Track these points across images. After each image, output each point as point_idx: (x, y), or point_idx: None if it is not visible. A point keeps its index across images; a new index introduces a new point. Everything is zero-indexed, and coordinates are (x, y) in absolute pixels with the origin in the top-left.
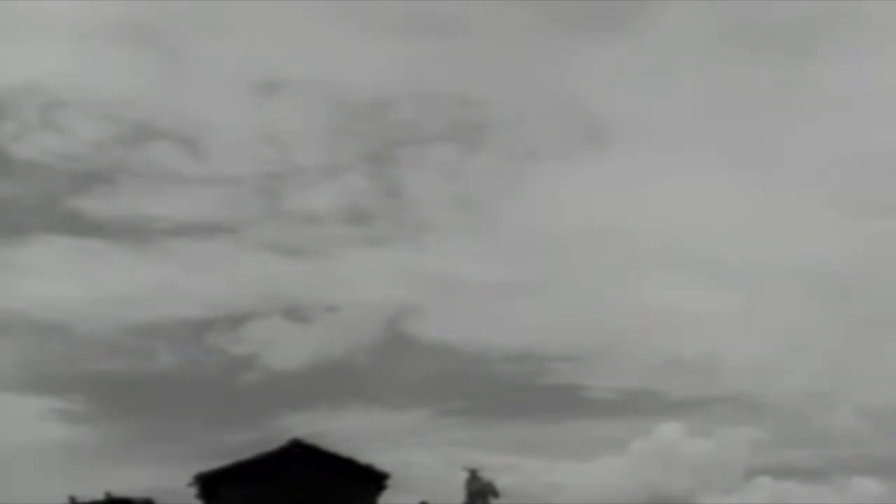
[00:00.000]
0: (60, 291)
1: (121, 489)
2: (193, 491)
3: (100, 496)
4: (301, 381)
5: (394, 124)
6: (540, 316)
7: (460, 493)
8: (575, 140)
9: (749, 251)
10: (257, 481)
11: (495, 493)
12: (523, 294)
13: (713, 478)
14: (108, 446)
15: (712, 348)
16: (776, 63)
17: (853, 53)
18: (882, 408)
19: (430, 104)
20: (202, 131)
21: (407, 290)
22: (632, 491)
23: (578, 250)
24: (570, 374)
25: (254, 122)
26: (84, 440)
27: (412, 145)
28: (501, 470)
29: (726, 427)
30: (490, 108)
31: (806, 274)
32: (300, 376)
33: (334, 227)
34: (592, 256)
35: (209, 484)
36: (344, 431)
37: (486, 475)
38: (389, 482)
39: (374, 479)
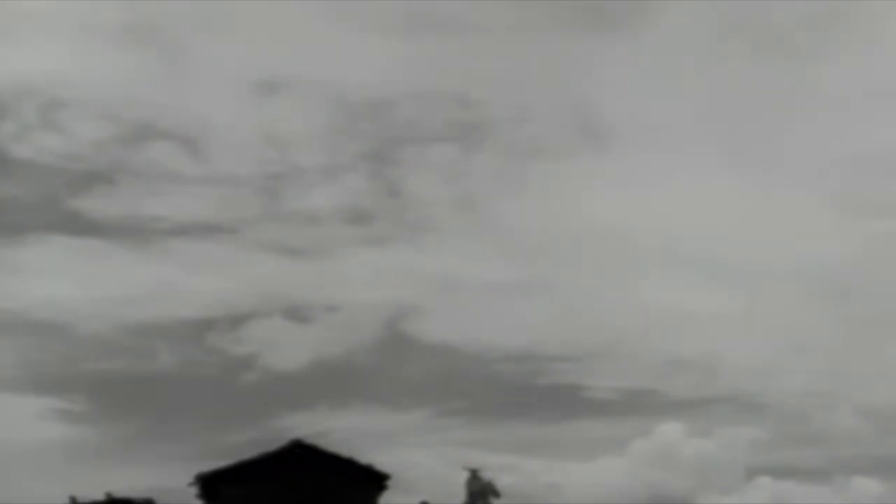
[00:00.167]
0: (60, 291)
1: (121, 489)
2: (194, 491)
3: (100, 496)
4: (301, 381)
5: (394, 124)
6: (540, 316)
7: (460, 493)
8: (575, 140)
9: (749, 251)
10: (257, 481)
11: (496, 493)
12: (523, 294)
13: (713, 478)
14: (108, 446)
15: (712, 348)
16: (776, 63)
17: (853, 53)
18: (882, 408)
19: (430, 104)
20: (202, 131)
21: (407, 290)
22: (632, 491)
23: (578, 250)
24: (570, 374)
25: (254, 122)
26: (84, 440)
27: (412, 145)
28: (501, 470)
29: (726, 427)
30: (490, 108)
31: (806, 274)
32: (300, 376)
33: (334, 227)
34: (592, 256)
35: (209, 484)
36: (344, 431)
37: (487, 475)
38: (389, 482)
39: (375, 480)
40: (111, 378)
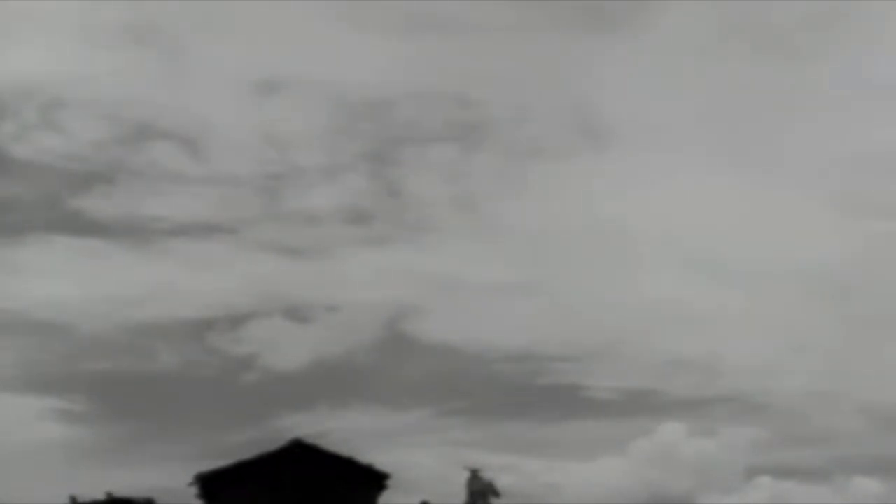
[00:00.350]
0: (60, 291)
1: (121, 489)
2: (194, 491)
3: (100, 496)
4: (301, 381)
5: (394, 124)
6: (540, 316)
7: (461, 493)
8: (575, 140)
9: (749, 251)
10: (257, 481)
11: (496, 493)
12: (523, 294)
13: (713, 478)
14: (108, 446)
15: (712, 348)
16: (776, 63)
17: (853, 53)
18: (882, 408)
19: (430, 104)
20: (202, 131)
21: (407, 290)
22: (632, 491)
23: (578, 250)
24: (570, 374)
25: (254, 122)
26: (84, 440)
27: (412, 145)
28: (501, 470)
29: (727, 427)
30: (490, 108)
31: (806, 274)
32: (300, 376)
33: (334, 227)
34: (592, 256)
35: (209, 484)
36: (344, 431)
37: (487, 475)
38: (389, 482)
39: (375, 479)
40: (111, 378)
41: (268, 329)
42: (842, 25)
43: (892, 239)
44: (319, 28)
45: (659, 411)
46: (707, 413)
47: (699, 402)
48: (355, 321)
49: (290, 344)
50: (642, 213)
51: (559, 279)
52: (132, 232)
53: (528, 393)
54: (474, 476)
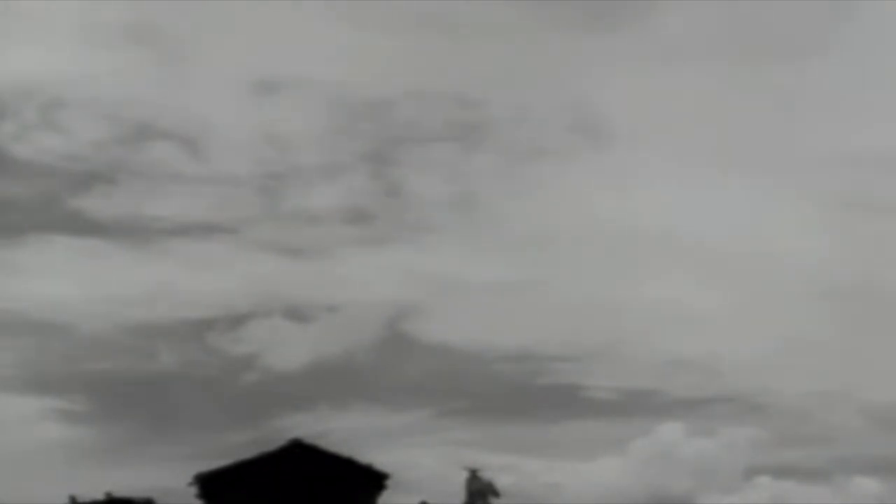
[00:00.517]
0: (60, 291)
1: (121, 489)
2: (193, 491)
3: (100, 496)
4: (301, 381)
5: (394, 124)
6: (540, 316)
7: (460, 493)
8: (575, 140)
9: (749, 251)
10: (257, 481)
11: (496, 493)
12: (523, 294)
13: (713, 478)
14: (108, 446)
15: (712, 348)
16: (776, 63)
17: (853, 53)
18: (882, 408)
19: (430, 104)
20: (202, 131)
21: (407, 290)
22: (632, 491)
23: (578, 250)
24: (570, 374)
25: (254, 122)
26: (84, 440)
27: (412, 145)
28: (501, 470)
29: (726, 427)
30: (490, 108)
31: (807, 273)
32: (300, 376)
33: (334, 227)
34: (592, 256)
35: (209, 484)
36: (344, 431)
37: (487, 475)
38: (389, 482)
39: (374, 479)
40: (111, 378)
41: (268, 329)
42: (841, 26)
43: (892, 239)
44: (319, 28)
45: (659, 411)
46: (707, 413)
47: (699, 402)
48: (355, 321)
49: (290, 344)
50: (642, 213)
51: (559, 279)
52: (132, 232)
53: (528, 393)
54: (474, 476)
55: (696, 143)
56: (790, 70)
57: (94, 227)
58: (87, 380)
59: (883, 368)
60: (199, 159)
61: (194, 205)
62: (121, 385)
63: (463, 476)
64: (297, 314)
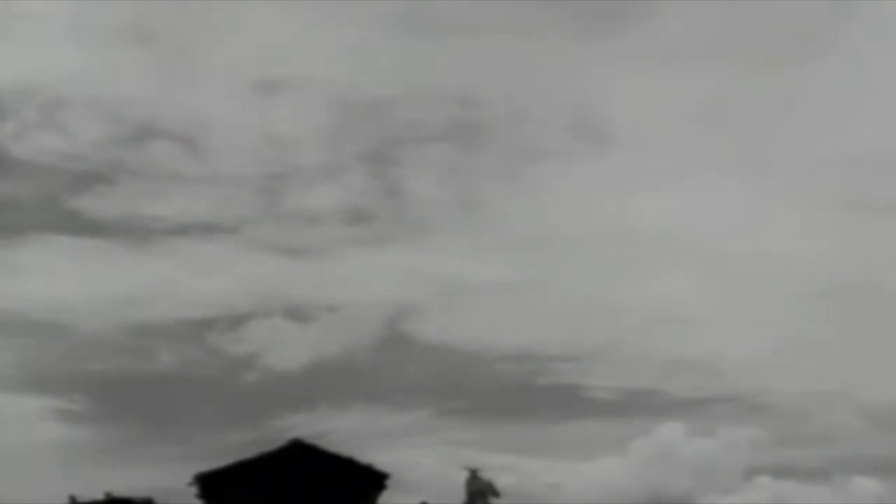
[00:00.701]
0: (60, 291)
1: (121, 489)
2: (193, 491)
3: (100, 496)
4: (301, 381)
5: (394, 124)
6: (540, 316)
7: (460, 493)
8: (575, 140)
9: (749, 251)
10: (257, 481)
11: (496, 493)
12: (523, 294)
13: (713, 478)
14: (108, 446)
15: (712, 348)
16: (776, 63)
17: (853, 53)
18: (882, 408)
19: (430, 104)
20: (202, 131)
21: (407, 290)
22: (632, 491)
23: (578, 250)
24: (570, 374)
25: (254, 122)
26: (84, 440)
27: (412, 145)
28: (501, 470)
29: (727, 427)
30: (490, 108)
31: (806, 273)
32: (300, 376)
33: (334, 227)
34: (592, 256)
35: (209, 484)
36: (344, 431)
37: (487, 475)
38: (389, 482)
39: (374, 479)
40: (111, 378)
41: (268, 329)
42: (842, 26)
43: (892, 239)
44: (319, 28)
45: (659, 411)
46: (707, 413)
47: (699, 402)
48: (355, 321)
49: (290, 344)
50: (642, 213)
51: (559, 279)
52: (132, 232)
53: (528, 393)
54: (474, 476)
55: (696, 144)
56: (790, 70)
57: (94, 227)
58: (87, 380)
59: (883, 368)
60: (199, 159)
61: (194, 205)
62: (121, 385)
63: (463, 476)
64: (297, 314)
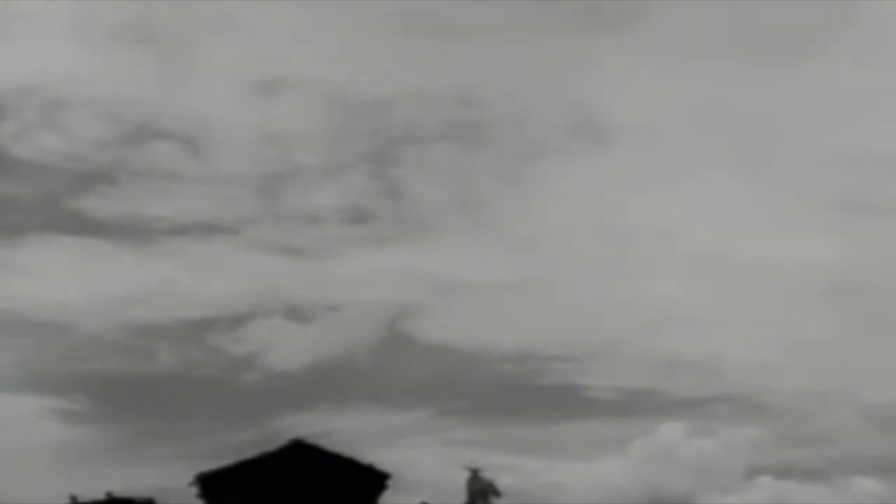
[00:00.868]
0: (61, 291)
1: (121, 489)
2: (194, 491)
3: (100, 496)
4: (301, 381)
5: (394, 124)
6: (540, 316)
7: (461, 493)
8: (575, 140)
9: (749, 251)
10: (257, 481)
11: (496, 493)
12: (523, 294)
13: (713, 478)
14: (108, 446)
15: (712, 348)
16: (776, 63)
17: (853, 54)
18: (882, 408)
19: (430, 104)
20: (202, 131)
21: (407, 290)
22: (633, 491)
23: (578, 250)
24: (571, 374)
25: (254, 122)
26: (84, 440)
27: (412, 145)
28: (502, 470)
29: (727, 427)
30: (490, 108)
31: (806, 273)
32: (300, 376)
33: (334, 227)
34: (592, 256)
35: (209, 484)
36: (344, 431)
37: (487, 475)
38: (389, 482)
39: (375, 479)
40: (111, 378)
41: (268, 329)
42: (842, 26)
43: (893, 238)
44: (319, 28)
45: (659, 411)
46: (707, 413)
47: (699, 402)
48: (355, 321)
49: (290, 344)
50: (642, 213)
51: (559, 279)
52: (133, 232)
53: (528, 393)
54: (474, 476)
55: (696, 144)
56: (790, 70)
57: (95, 227)
58: (87, 380)
59: (883, 368)
60: (199, 159)
61: (194, 205)
62: (121, 385)
63: (463, 476)
64: (297, 314)
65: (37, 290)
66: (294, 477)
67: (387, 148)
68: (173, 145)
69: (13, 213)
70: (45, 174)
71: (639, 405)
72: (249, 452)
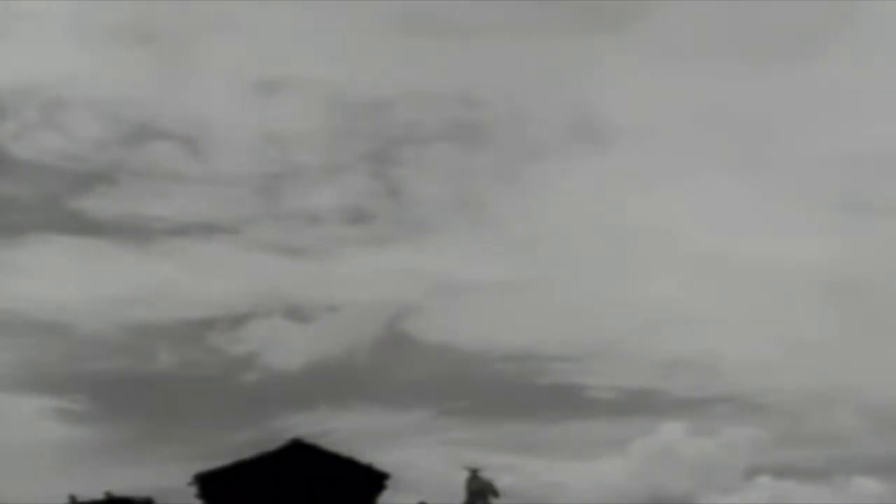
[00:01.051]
0: (61, 291)
1: (121, 489)
2: (193, 491)
3: (100, 496)
4: (301, 381)
5: (394, 124)
6: (540, 316)
7: (460, 493)
8: (575, 140)
9: (749, 251)
10: (257, 481)
11: (495, 493)
12: (523, 294)
13: (713, 477)
14: (108, 446)
15: (712, 348)
16: (776, 63)
17: (853, 54)
18: (882, 408)
19: (430, 104)
20: (202, 131)
21: (407, 290)
22: (633, 491)
23: (578, 250)
24: (571, 374)
25: (254, 122)
26: (84, 440)
27: (412, 145)
28: (502, 470)
29: (727, 427)
30: (490, 108)
31: (806, 273)
32: (300, 376)
33: (334, 227)
34: (592, 256)
35: (209, 484)
36: (344, 431)
37: (487, 475)
38: (389, 482)
39: (374, 479)
40: (111, 378)
41: (268, 329)
42: (842, 26)
43: (893, 238)
44: (319, 28)
45: (659, 411)
46: (707, 413)
47: (699, 402)
48: (355, 321)
49: (290, 344)
50: (642, 213)
51: (559, 279)
52: (133, 232)
53: (528, 393)
54: (475, 476)
55: (696, 144)
56: (790, 70)
57: (95, 227)
58: (87, 380)
59: (883, 368)
60: (199, 159)
61: (194, 205)
62: (121, 385)
63: (463, 476)
64: (297, 314)
65: (37, 290)
66: (293, 477)
67: (387, 148)
68: (173, 145)
69: (13, 213)
70: (45, 174)
71: (639, 405)
72: (249, 452)
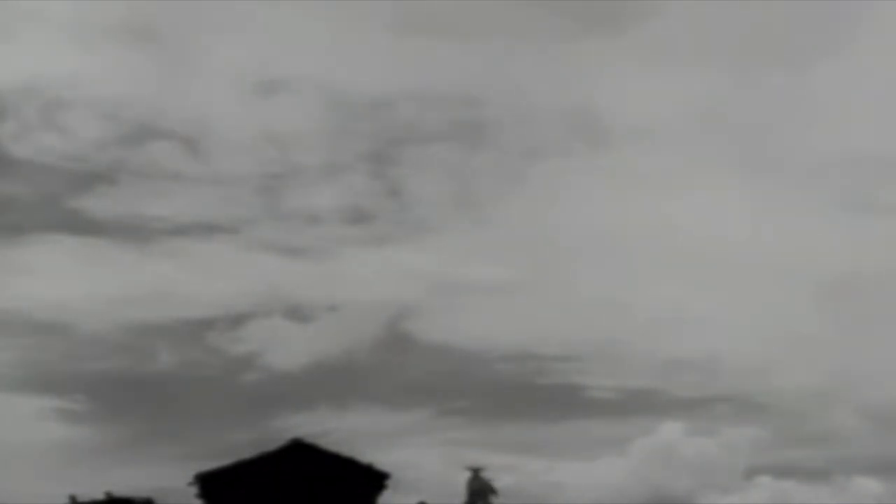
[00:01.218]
0: (61, 291)
1: (121, 489)
2: (193, 491)
3: (100, 496)
4: (301, 381)
5: (394, 124)
6: (540, 316)
7: (460, 493)
8: (575, 140)
9: (750, 251)
10: (257, 481)
11: (494, 492)
12: (523, 294)
13: (713, 477)
14: (108, 446)
15: (712, 348)
16: (776, 63)
17: (855, 55)
18: (882, 408)
19: (431, 104)
20: (202, 131)
21: (407, 290)
22: (633, 490)
23: (578, 250)
24: (570, 374)
25: (254, 122)
26: (84, 440)
27: (413, 145)
28: (502, 470)
29: (727, 427)
30: (490, 108)
31: (807, 273)
32: (300, 376)
33: (335, 227)
34: (592, 256)
35: (209, 484)
36: (344, 431)
37: (487, 475)
38: (389, 482)
39: (375, 479)
40: (111, 378)
41: (268, 329)
42: (841, 26)
43: (893, 238)
44: (319, 28)
45: (659, 411)
46: (707, 413)
47: (699, 402)
48: (355, 321)
49: (290, 344)
50: (642, 213)
51: (559, 279)
52: (132, 232)
53: (528, 393)
54: (475, 476)
55: (696, 144)
56: (792, 71)
57: (95, 227)
58: (87, 380)
59: (883, 368)
60: (199, 159)
61: (194, 205)
62: (121, 385)
63: (463, 476)
64: (297, 314)
65: (37, 290)
66: (293, 477)
67: (387, 148)
68: (173, 145)
69: (13, 213)
70: (45, 174)
71: (639, 405)
72: (249, 452)
